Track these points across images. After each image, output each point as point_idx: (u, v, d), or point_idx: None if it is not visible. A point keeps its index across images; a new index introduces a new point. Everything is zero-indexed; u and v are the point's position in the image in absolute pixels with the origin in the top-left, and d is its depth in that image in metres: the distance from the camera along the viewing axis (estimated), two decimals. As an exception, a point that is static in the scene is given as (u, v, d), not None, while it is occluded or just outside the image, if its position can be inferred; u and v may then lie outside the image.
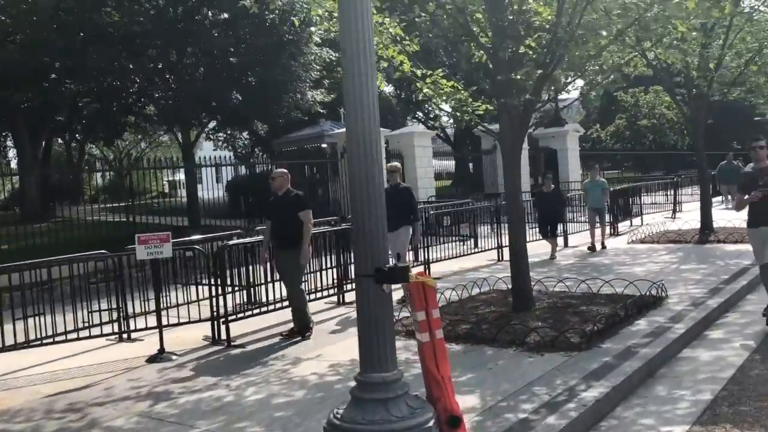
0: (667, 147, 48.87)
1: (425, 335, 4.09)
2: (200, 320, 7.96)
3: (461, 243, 13.65)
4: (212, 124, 19.41)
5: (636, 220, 18.18)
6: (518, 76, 7.40)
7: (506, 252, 12.98)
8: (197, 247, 8.00)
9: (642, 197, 21.09)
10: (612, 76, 8.75)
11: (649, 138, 49.71)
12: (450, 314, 7.89)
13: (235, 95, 18.34)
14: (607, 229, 14.46)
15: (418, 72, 8.15)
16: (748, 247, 12.47)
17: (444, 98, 7.98)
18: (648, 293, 8.15)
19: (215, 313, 7.53)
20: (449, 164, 44.87)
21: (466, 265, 12.28)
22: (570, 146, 27.42)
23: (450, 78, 7.96)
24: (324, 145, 21.03)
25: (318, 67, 18.81)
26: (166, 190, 37.00)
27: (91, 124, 19.30)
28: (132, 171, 16.49)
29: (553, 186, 13.88)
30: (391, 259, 4.08)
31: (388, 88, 41.00)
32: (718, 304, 7.94)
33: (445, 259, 12.55)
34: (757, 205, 7.09)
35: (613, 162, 51.87)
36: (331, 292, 9.49)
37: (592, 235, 13.62)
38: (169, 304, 8.71)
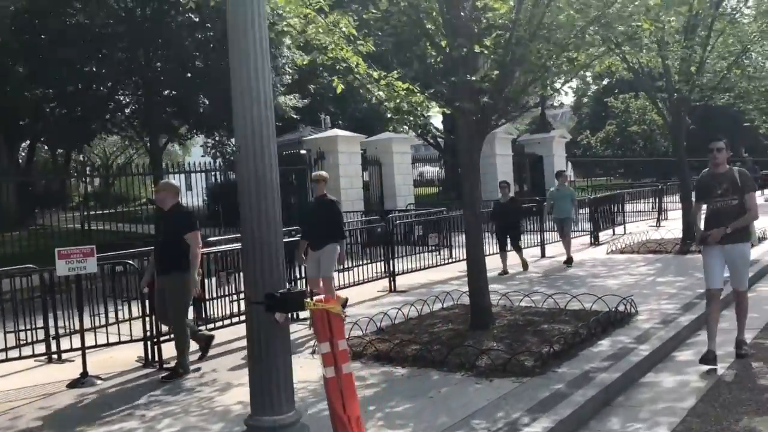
0: (657, 153, 48.53)
1: (330, 370, 3.58)
2: (132, 340, 7.39)
3: (436, 253, 13.12)
4: (183, 129, 18.81)
5: (619, 229, 17.67)
6: (473, 78, 6.90)
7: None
8: (129, 261, 7.45)
9: (626, 205, 20.65)
10: (576, 80, 8.22)
11: (639, 144, 49.40)
12: (404, 332, 7.36)
13: (203, 99, 17.79)
14: (562, 247, 13.21)
15: (375, 74, 7.63)
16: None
17: (398, 101, 7.45)
18: (616, 310, 7.63)
19: (147, 333, 6.97)
20: (440, 171, 44.34)
21: (436, 277, 11.75)
22: (556, 152, 26.96)
23: (405, 80, 7.43)
24: (303, 151, 20.48)
25: (290, 71, 18.27)
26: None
27: (58, 130, 18.71)
28: (110, 177, 15.91)
29: (511, 195, 13.07)
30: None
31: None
32: (689, 322, 7.42)
33: (414, 271, 12.05)
34: (711, 218, 6.21)
35: (604, 169, 51.47)
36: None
37: (566, 248, 12.76)
38: (108, 321, 8.17)
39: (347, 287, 10.66)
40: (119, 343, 7.50)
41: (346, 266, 10.91)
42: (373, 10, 7.27)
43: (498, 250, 12.27)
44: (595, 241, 15.64)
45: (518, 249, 12.33)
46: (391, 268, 10.91)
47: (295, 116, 20.25)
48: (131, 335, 7.39)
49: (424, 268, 12.25)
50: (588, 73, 10.65)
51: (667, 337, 6.79)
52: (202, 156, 34.83)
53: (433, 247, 12.82)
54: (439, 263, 12.76)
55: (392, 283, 10.86)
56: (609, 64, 14.35)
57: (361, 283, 10.93)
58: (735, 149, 61.71)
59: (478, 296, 7.36)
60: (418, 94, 7.51)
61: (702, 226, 6.33)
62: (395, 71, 7.60)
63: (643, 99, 45.36)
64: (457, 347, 6.41)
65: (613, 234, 17.20)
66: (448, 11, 6.98)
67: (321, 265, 8.12)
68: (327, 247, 8.13)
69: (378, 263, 11.40)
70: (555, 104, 64.75)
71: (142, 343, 7.08)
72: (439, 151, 41.16)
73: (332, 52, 7.49)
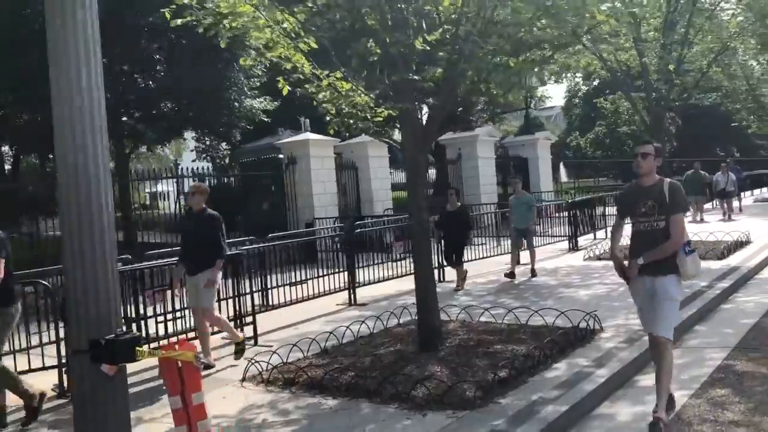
0: (648, 154, 47.89)
1: (182, 430, 2.95)
2: (44, 367, 6.77)
3: (406, 261, 12.40)
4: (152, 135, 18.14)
5: (601, 233, 17.08)
6: (415, 77, 6.31)
7: (447, 271, 11.93)
8: (42, 281, 6.81)
9: (609, 207, 20.08)
10: (534, 78, 7.64)
11: (629, 145, 48.91)
12: (348, 355, 6.76)
13: (166, 104, 17.14)
14: (537, 253, 12.36)
15: (320, 73, 7.03)
16: (709, 264, 11.46)
17: (340, 102, 6.85)
18: (577, 327, 7.04)
19: (61, 360, 6.35)
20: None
21: (404, 287, 11.07)
22: (541, 154, 26.38)
23: (348, 80, 6.83)
24: (281, 156, 19.85)
25: (260, 73, 17.63)
26: (147, 202, 35.58)
27: (23, 136, 18.05)
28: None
29: (459, 204, 11.58)
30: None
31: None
32: (657, 340, 6.81)
33: (379, 281, 11.45)
34: (633, 242, 5.01)
35: (595, 170, 50.94)
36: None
37: (513, 260, 11.64)
38: (30, 344, 7.54)
39: (305, 300, 10.08)
40: (30, 371, 6.86)
41: (303, 278, 10.34)
42: (309, 4, 6.66)
43: (446, 262, 11.34)
44: (574, 247, 15.06)
45: (459, 263, 11.02)
46: (352, 279, 10.28)
47: (266, 119, 19.55)
48: (43, 362, 6.77)
49: (391, 278, 11.65)
50: (578, 74, 10.12)
51: (629, 359, 6.19)
52: (193, 161, 34.15)
53: (400, 255, 12.14)
54: (409, 272, 12.11)
55: (352, 295, 10.24)
56: (586, 64, 13.90)
57: (320, 296, 10.32)
58: (727, 150, 61.42)
59: (426, 315, 6.76)
60: (362, 96, 6.93)
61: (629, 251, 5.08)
62: (337, 71, 6.99)
63: (624, 99, 45.40)
64: (395, 374, 5.81)
65: (594, 238, 16.62)
66: (388, 3, 6.38)
67: (199, 294, 6.97)
68: (204, 274, 6.90)
69: (340, 274, 10.76)
70: (542, 106, 64.30)
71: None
72: (432, 155, 40.61)
73: (275, 50, 6.91)
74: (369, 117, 6.85)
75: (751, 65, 28.08)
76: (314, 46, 7.12)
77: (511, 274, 11.39)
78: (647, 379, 6.00)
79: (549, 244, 15.58)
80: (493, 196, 23.68)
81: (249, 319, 8.24)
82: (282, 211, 17.24)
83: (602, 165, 51.47)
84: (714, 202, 21.00)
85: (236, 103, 16.37)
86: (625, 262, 5.07)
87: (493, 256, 13.95)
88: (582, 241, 16.23)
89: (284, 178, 17.20)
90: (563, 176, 49.84)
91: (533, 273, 11.70)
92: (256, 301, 8.82)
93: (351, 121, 6.71)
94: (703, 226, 16.22)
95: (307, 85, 6.82)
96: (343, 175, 19.22)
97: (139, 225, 17.78)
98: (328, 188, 17.47)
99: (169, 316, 7.76)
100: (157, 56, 16.05)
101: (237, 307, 8.27)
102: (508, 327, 7.52)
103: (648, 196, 4.87)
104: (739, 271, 10.61)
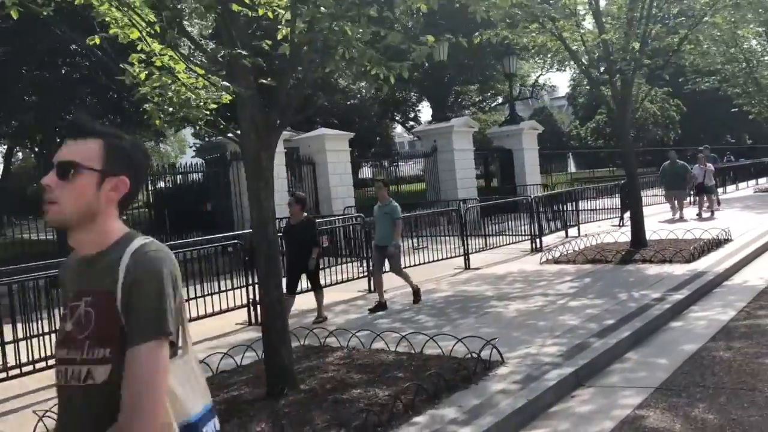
0: (652, 143, 46.46)
1: None
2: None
3: (325, 270, 10.78)
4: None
5: (573, 230, 15.62)
6: (244, 53, 4.97)
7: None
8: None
9: (588, 202, 18.63)
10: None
11: (632, 134, 47.23)
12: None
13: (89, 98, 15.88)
14: (412, 277, 9.38)
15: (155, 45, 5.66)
16: (673, 269, 10.04)
17: (154, 86, 5.47)
18: (479, 355, 5.71)
19: None
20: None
21: (331, 299, 9.65)
22: (526, 146, 24.85)
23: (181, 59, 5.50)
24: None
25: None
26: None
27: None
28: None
29: (305, 215, 8.76)
30: None
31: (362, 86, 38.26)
32: (563, 377, 5.45)
33: (301, 292, 10.03)
34: None
35: (596, 160, 49.19)
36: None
37: (378, 287, 9.08)
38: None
39: (201, 318, 8.76)
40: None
41: (199, 294, 9.03)
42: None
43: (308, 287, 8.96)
44: (538, 247, 13.62)
45: (316, 288, 8.68)
46: (251, 295, 8.94)
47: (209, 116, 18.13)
48: None
49: (307, 291, 10.21)
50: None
51: (515, 408, 4.83)
52: (193, 157, 32.86)
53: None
54: (340, 280, 10.77)
55: (251, 314, 8.92)
56: (542, 42, 12.47)
57: (216, 314, 9.00)
58: (739, 137, 59.25)
59: (273, 352, 5.43)
60: (194, 78, 5.61)
61: None
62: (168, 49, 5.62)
63: (636, 85, 43.73)
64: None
65: (566, 236, 15.19)
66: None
67: None
68: None
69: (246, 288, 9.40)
70: (554, 95, 62.44)
71: None
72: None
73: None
74: (201, 104, 5.51)
75: (750, 44, 26.41)
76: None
77: (379, 307, 8.76)
78: (533, 437, 4.66)
79: (513, 243, 14.16)
80: (472, 191, 22.26)
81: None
82: (228, 210, 15.98)
83: (605, 154, 49.77)
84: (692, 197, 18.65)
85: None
86: None
87: (442, 259, 12.53)
88: (552, 239, 14.84)
89: (230, 175, 15.91)
90: (572, 167, 48.24)
91: (416, 297, 9.07)
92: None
93: (172, 110, 5.38)
94: (682, 224, 14.73)
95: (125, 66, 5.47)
96: (301, 172, 17.92)
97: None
98: (277, 186, 16.04)
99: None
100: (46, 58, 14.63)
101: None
102: (395, 358, 6.18)
103: None
104: (704, 277, 9.17)
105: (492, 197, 21.58)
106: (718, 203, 18.27)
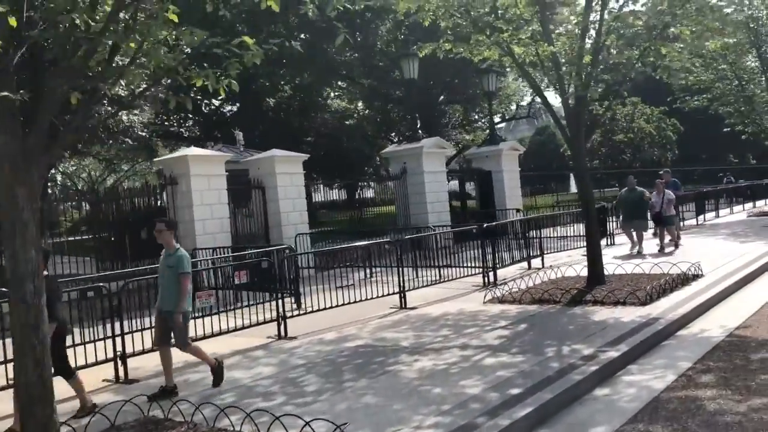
0: (648, 164, 45.19)
1: None
2: None
3: (216, 316, 9.26)
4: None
5: (536, 261, 14.27)
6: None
7: (299, 322, 9.01)
8: None
9: (559, 228, 17.32)
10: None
11: (627, 154, 46.02)
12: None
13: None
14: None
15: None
16: (624, 313, 8.74)
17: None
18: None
19: None
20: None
21: (190, 358, 7.36)
22: (506, 167, 23.53)
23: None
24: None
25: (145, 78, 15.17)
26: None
27: None
28: None
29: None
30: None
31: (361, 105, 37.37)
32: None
33: (208, 336, 8.60)
34: None
35: (596, 180, 47.80)
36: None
37: (164, 365, 6.92)
38: None
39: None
40: None
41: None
42: None
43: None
44: (491, 281, 12.29)
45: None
46: (123, 348, 7.61)
47: (143, 134, 16.98)
48: None
49: (227, 332, 8.89)
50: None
51: None
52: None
53: (209, 309, 9.05)
54: (247, 324, 9.38)
55: (123, 368, 7.61)
56: (487, 56, 11.32)
57: (84, 367, 7.67)
58: (742, 156, 57.69)
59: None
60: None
61: None
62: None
63: (631, 105, 42.37)
64: None
65: (529, 268, 13.87)
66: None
67: None
68: None
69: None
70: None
71: None
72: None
73: None
74: None
75: (741, 62, 25.19)
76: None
77: (164, 393, 6.59)
78: None
79: (467, 276, 12.86)
80: (444, 215, 20.89)
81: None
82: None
83: (602, 175, 48.48)
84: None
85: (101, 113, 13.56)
86: None
87: (381, 296, 11.17)
88: (514, 270, 13.52)
89: (164, 200, 14.69)
90: (573, 187, 46.83)
91: (215, 377, 6.98)
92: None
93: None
94: (647, 258, 13.36)
95: None
96: (252, 197, 16.72)
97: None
98: (217, 212, 14.87)
99: None
100: None
101: None
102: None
103: None
104: (654, 326, 7.85)
105: (468, 222, 20.34)
106: (679, 237, 15.57)
